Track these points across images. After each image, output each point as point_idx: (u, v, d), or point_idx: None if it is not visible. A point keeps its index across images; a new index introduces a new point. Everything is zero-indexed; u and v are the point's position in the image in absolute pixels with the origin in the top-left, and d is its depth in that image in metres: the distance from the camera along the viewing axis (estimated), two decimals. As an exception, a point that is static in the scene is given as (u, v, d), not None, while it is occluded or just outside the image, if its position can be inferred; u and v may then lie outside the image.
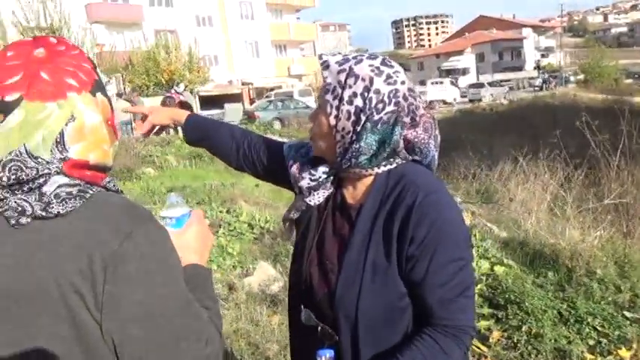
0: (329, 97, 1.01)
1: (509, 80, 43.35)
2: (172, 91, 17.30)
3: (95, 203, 0.74)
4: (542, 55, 75.90)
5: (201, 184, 7.33)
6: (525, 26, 75.04)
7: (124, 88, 20.24)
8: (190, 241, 0.93)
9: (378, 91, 0.98)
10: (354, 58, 1.02)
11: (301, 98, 23.91)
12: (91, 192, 0.75)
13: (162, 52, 22.63)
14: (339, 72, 1.00)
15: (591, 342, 2.75)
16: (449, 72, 53.53)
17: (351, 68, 0.99)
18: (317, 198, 1.12)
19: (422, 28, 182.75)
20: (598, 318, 2.88)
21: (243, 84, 32.01)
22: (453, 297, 0.98)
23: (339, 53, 1.06)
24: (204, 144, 1.40)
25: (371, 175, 1.05)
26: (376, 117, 0.98)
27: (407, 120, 1.02)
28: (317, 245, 1.13)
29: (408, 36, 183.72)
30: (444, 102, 31.95)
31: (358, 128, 0.99)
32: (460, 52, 62.13)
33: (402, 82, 1.01)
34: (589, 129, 5.05)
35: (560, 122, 7.94)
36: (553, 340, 2.73)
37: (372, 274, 1.01)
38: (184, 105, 15.80)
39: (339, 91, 0.99)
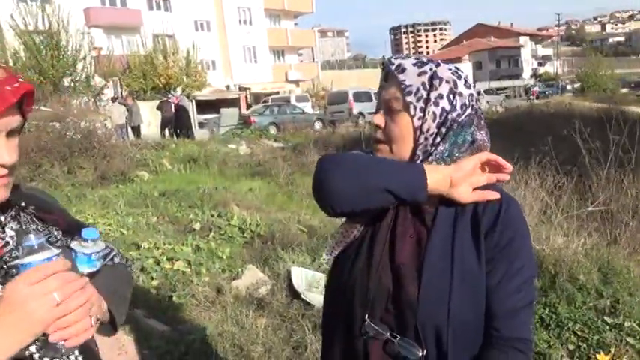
0: (412, 98, 0.99)
1: (505, 88, 43.55)
2: (169, 95, 17.39)
3: None
4: (540, 64, 76.45)
5: (195, 188, 7.35)
6: (522, 35, 75.59)
7: (121, 92, 20.29)
8: None
9: (461, 94, 1.00)
10: (430, 61, 1.04)
11: (298, 104, 23.99)
12: None
13: (160, 57, 22.74)
14: (420, 74, 1.00)
15: (571, 346, 2.78)
16: (446, 79, 53.60)
17: (433, 71, 1.00)
18: None
19: (420, 35, 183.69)
20: (578, 323, 2.92)
21: (240, 89, 32.10)
22: (522, 306, 0.97)
23: (408, 56, 1.06)
24: None
25: None
26: (459, 119, 1.00)
27: (478, 122, 1.04)
28: (389, 250, 1.03)
29: (406, 43, 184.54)
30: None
31: (444, 130, 1.00)
32: (458, 60, 62.39)
33: (473, 87, 1.05)
34: (580, 137, 5.12)
35: (553, 130, 8.01)
36: (533, 344, 2.76)
37: (460, 279, 0.96)
38: (180, 109, 15.88)
39: (424, 92, 0.99)
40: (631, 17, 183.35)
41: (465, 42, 72.15)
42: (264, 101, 25.72)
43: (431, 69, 1.00)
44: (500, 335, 0.96)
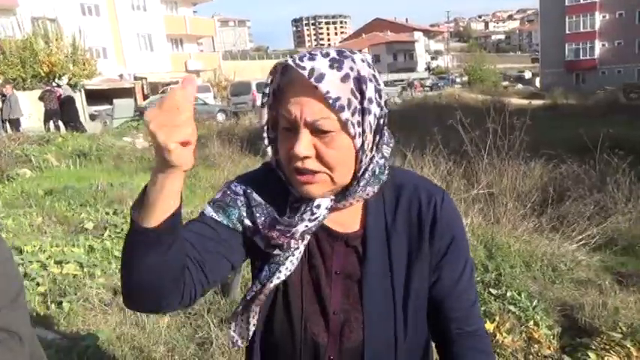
0: (347, 114, 0.77)
1: (402, 80, 45.89)
2: (53, 84, 15.90)
3: None
4: (432, 58, 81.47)
5: (87, 185, 6.82)
6: (417, 30, 79.92)
7: (-5, 81, 18.18)
8: None
9: (382, 89, 0.83)
10: (341, 55, 0.80)
11: (199, 95, 23.22)
12: None
13: (41, 42, 20.67)
14: (343, 79, 0.78)
15: (461, 318, 3.02)
16: (347, 71, 55.09)
17: (356, 71, 0.79)
18: (298, 255, 0.87)
19: (321, 28, 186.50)
20: (468, 296, 3.18)
21: (135, 79, 30.33)
22: (475, 299, 0.93)
23: (313, 54, 0.80)
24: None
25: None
26: (385, 120, 0.84)
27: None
28: (314, 295, 0.89)
29: (308, 35, 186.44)
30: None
31: (377, 138, 0.83)
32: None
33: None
34: (462, 127, 5.53)
35: (445, 120, 8.60)
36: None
37: (404, 311, 0.87)
38: (66, 100, 14.58)
39: (357, 102, 0.79)
40: (510, 17, 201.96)
41: (364, 35, 74.61)
42: (163, 91, 24.56)
43: (352, 68, 0.79)
44: (464, 332, 0.92)
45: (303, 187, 0.82)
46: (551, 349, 2.72)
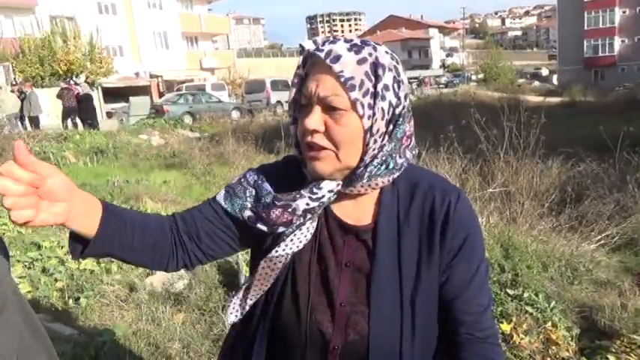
0: (357, 94, 0.80)
1: (417, 78, 45.62)
2: (71, 82, 16.12)
3: None
4: (448, 55, 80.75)
5: (104, 182, 6.92)
6: (432, 27, 79.27)
7: (15, 78, 18.48)
8: None
9: (403, 82, 0.86)
10: (364, 43, 0.85)
11: (214, 92, 23.36)
12: None
13: (59, 40, 20.98)
14: (360, 62, 0.82)
15: (478, 319, 2.98)
16: (361, 69, 54.97)
17: (375, 57, 0.83)
18: (302, 238, 0.89)
19: (335, 25, 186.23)
20: (484, 296, 3.14)
21: (151, 76, 30.62)
22: (488, 304, 0.92)
23: (336, 39, 0.86)
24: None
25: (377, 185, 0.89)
26: (403, 112, 0.86)
27: (408, 110, 0.90)
28: (321, 286, 0.91)
29: (322, 32, 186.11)
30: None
31: (391, 127, 0.85)
32: (372, 50, 64.03)
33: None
34: (477, 125, 5.46)
35: (460, 118, 8.53)
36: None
37: (412, 302, 0.87)
38: (84, 98, 14.79)
39: (369, 85, 0.82)
40: (526, 13, 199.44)
41: (378, 32, 74.24)
42: (178, 89, 24.74)
43: (370, 54, 0.83)
44: (473, 337, 0.90)
45: (312, 163, 0.85)
46: (570, 351, 2.68)
